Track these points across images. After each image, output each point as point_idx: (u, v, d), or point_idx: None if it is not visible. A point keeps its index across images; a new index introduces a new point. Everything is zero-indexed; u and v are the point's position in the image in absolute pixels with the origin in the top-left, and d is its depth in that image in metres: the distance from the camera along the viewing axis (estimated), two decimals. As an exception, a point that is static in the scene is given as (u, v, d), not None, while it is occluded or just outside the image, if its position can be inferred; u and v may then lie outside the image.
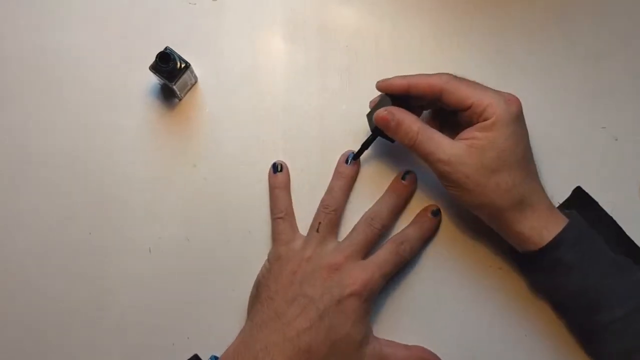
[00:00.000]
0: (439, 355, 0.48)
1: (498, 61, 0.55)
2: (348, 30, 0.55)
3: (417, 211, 0.51)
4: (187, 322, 0.50)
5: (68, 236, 0.51)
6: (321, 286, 0.46)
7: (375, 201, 0.51)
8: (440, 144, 0.45)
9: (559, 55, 0.55)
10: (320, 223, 0.49)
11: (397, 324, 0.50)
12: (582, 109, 0.54)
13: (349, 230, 0.50)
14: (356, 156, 0.51)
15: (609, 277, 0.44)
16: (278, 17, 0.56)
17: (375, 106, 0.49)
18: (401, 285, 0.50)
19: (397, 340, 0.48)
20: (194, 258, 0.51)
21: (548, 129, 0.52)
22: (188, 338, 0.50)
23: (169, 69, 0.49)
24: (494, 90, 0.47)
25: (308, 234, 0.50)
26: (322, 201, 0.50)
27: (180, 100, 0.54)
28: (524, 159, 0.46)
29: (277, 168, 0.52)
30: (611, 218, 0.49)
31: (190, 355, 0.47)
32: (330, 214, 0.49)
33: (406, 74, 0.48)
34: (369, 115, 0.50)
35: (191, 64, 0.51)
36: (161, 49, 0.49)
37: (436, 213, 0.51)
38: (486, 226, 0.48)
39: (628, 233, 0.48)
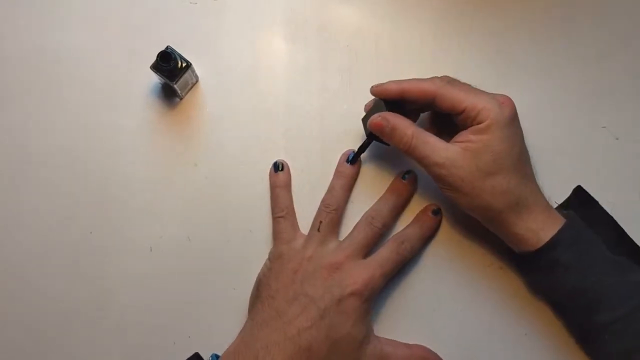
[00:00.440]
0: (439, 354, 0.48)
1: (498, 61, 0.55)
2: (348, 30, 0.56)
3: (417, 211, 0.51)
4: (188, 321, 0.50)
5: (68, 236, 0.51)
6: (322, 285, 0.46)
7: (375, 201, 0.51)
8: (435, 148, 0.46)
9: (559, 56, 0.55)
10: (321, 222, 0.49)
11: (397, 323, 0.50)
12: (583, 109, 0.54)
13: (350, 229, 0.50)
14: (354, 159, 0.51)
15: (608, 277, 0.44)
16: (279, 17, 0.56)
17: (370, 110, 0.50)
18: (401, 285, 0.50)
19: (397, 340, 0.48)
20: (194, 257, 0.51)
21: (548, 129, 0.53)
22: (189, 337, 0.50)
23: (170, 68, 0.49)
24: (488, 93, 0.47)
25: (309, 233, 0.50)
26: (323, 200, 0.50)
27: (181, 99, 0.54)
28: (519, 161, 0.46)
29: (278, 167, 0.52)
30: (611, 218, 0.48)
31: (191, 354, 0.47)
32: (331, 213, 0.49)
33: (401, 79, 0.48)
34: (364, 120, 0.50)
35: (192, 63, 0.51)
36: (162, 48, 0.49)
37: (437, 212, 0.51)
38: (485, 226, 0.48)
39: (628, 233, 0.48)
